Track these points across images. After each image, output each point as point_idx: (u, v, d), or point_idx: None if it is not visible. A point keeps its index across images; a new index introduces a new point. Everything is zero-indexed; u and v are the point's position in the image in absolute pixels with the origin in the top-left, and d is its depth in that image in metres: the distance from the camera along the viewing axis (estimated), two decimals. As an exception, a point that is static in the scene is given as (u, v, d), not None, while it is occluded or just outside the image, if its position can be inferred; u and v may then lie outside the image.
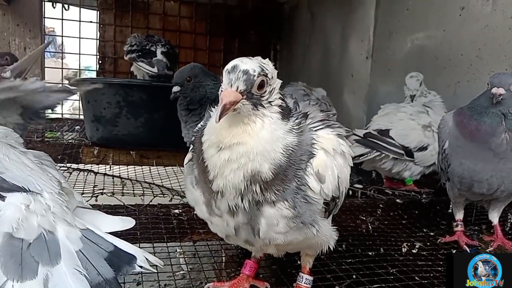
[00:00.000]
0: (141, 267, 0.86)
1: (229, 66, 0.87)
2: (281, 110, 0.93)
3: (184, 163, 1.08)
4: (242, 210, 0.93)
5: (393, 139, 2.28)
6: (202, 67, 2.08)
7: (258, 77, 0.87)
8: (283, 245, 1.01)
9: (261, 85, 0.88)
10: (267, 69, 0.90)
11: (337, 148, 0.99)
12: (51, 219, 0.84)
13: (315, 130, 0.98)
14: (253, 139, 0.88)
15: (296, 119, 0.96)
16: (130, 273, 0.86)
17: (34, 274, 0.75)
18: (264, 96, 0.90)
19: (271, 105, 0.91)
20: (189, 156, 1.06)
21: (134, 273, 0.92)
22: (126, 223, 1.00)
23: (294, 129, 0.94)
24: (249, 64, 0.87)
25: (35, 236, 0.80)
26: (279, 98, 0.94)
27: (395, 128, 2.32)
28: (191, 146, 1.06)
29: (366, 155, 2.26)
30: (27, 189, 0.87)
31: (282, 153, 0.90)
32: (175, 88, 1.98)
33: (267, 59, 0.95)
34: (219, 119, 0.83)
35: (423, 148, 2.28)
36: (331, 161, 0.97)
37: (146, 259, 0.87)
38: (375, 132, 2.32)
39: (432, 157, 2.27)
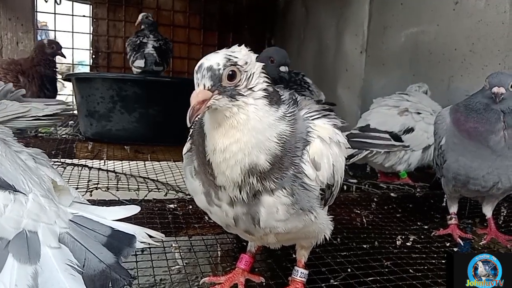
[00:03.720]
0: (143, 243, 0.84)
1: (196, 66, 0.86)
2: (266, 94, 0.90)
3: (183, 153, 1.07)
4: (240, 201, 0.94)
5: (375, 129, 2.28)
6: None
7: (224, 69, 0.85)
8: (283, 234, 1.01)
9: (232, 76, 0.86)
10: (236, 57, 0.87)
11: (333, 137, 0.99)
12: (31, 219, 0.81)
13: (312, 119, 0.98)
14: (245, 134, 0.87)
15: (288, 106, 0.95)
16: (130, 254, 0.84)
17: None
18: (240, 85, 0.87)
19: (253, 90, 0.89)
20: (187, 146, 1.05)
21: (130, 268, 0.91)
22: (130, 210, 0.95)
23: (286, 116, 0.93)
24: (213, 59, 0.86)
25: (14, 234, 0.78)
26: (263, 82, 0.91)
27: (373, 119, 2.33)
28: (189, 137, 1.05)
29: (356, 156, 2.23)
30: (14, 188, 0.85)
31: (276, 142, 0.90)
32: (283, 68, 1.74)
33: (242, 46, 0.92)
34: (189, 121, 0.81)
35: (409, 130, 2.27)
36: (326, 149, 0.97)
37: (148, 235, 0.86)
38: (357, 130, 2.33)
39: (422, 136, 2.26)
